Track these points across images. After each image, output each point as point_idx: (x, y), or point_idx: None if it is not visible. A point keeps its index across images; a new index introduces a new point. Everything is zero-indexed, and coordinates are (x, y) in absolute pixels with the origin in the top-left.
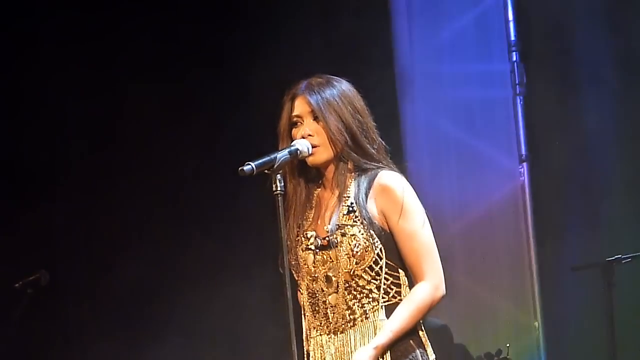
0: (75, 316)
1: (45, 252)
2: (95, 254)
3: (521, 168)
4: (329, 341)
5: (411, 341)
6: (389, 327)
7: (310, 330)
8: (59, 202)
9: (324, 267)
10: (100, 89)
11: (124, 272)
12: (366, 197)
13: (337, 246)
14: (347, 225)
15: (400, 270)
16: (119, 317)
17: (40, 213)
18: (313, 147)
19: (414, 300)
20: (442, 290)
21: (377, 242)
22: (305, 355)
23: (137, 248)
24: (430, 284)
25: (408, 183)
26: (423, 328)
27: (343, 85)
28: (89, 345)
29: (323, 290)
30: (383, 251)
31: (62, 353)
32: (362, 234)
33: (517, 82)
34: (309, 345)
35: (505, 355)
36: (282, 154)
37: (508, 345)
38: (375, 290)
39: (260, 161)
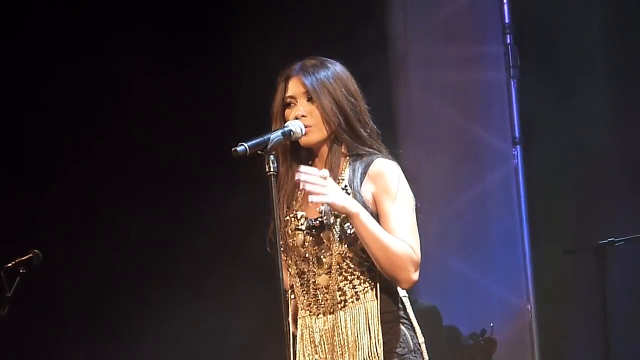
0: (67, 296)
1: (37, 233)
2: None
3: (514, 151)
4: (318, 322)
5: (401, 325)
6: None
7: (300, 310)
8: (54, 185)
9: (314, 249)
10: (100, 78)
11: (116, 254)
12: (361, 182)
13: (330, 228)
14: None
15: None
16: (111, 299)
17: (34, 196)
18: (306, 127)
19: (397, 239)
20: (417, 274)
21: None
22: (292, 336)
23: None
24: (416, 258)
25: (402, 172)
26: (412, 311)
27: (337, 67)
28: (82, 327)
29: (313, 272)
30: None
31: (54, 334)
32: None
33: (510, 64)
34: (296, 326)
35: (490, 334)
36: (275, 135)
37: (492, 324)
38: (367, 272)
39: (253, 142)
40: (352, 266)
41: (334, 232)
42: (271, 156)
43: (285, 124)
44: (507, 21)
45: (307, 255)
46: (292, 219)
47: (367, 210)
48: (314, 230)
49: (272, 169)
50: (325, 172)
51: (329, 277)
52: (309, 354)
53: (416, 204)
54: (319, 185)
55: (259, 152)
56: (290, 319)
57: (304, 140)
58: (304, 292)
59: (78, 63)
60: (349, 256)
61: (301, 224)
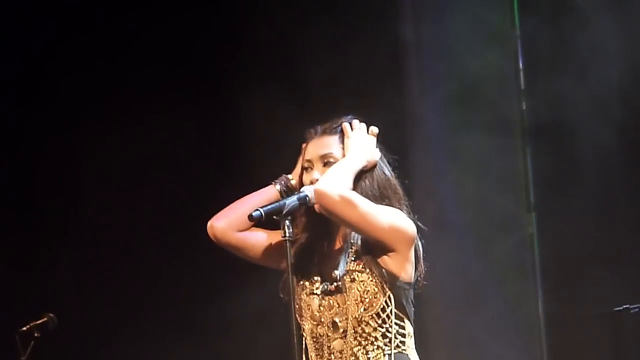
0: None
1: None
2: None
3: (530, 217)
4: None
5: None
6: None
7: None
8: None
9: (330, 313)
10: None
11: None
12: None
13: (346, 292)
14: (355, 271)
15: (406, 321)
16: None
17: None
18: None
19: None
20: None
21: (386, 288)
22: None
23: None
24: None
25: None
26: None
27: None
28: None
29: (328, 336)
30: (392, 298)
31: None
32: (371, 280)
33: (526, 130)
34: None
35: None
36: (290, 200)
37: None
38: (381, 338)
39: (269, 207)
40: (367, 331)
41: (350, 296)
42: (287, 221)
43: (302, 189)
44: (522, 87)
45: (322, 319)
46: (307, 283)
47: (383, 272)
48: (329, 294)
49: (287, 234)
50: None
51: (344, 341)
52: None
53: (422, 266)
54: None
55: (274, 217)
56: None
57: (318, 207)
58: (319, 357)
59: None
60: (364, 320)
61: (316, 288)
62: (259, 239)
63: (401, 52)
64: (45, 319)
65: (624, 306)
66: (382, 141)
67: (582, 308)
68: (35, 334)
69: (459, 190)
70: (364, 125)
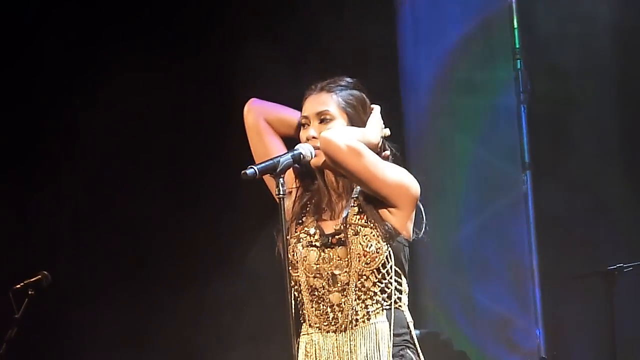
0: (76, 319)
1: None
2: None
3: (524, 176)
4: (327, 340)
5: (408, 349)
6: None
7: (308, 327)
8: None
9: (329, 265)
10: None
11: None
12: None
13: (348, 245)
14: (358, 224)
15: (402, 277)
16: (122, 321)
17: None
18: (316, 149)
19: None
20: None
21: (387, 244)
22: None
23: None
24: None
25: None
26: (416, 338)
27: (354, 89)
28: (90, 349)
29: (325, 288)
30: (392, 254)
31: (63, 356)
32: (374, 235)
33: (521, 90)
34: (299, 342)
35: None
36: (285, 158)
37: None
38: (380, 293)
39: (263, 165)
40: (367, 285)
41: (352, 250)
42: (281, 179)
43: (296, 147)
44: (517, 46)
45: (320, 272)
46: (304, 235)
47: (386, 227)
48: (330, 247)
49: (281, 192)
50: (386, 131)
51: (343, 295)
52: None
53: (425, 226)
54: None
55: (269, 175)
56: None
57: (313, 163)
58: (315, 309)
59: None
60: (365, 275)
61: (315, 240)
62: (274, 142)
63: (396, 12)
64: (39, 276)
65: (618, 265)
66: (379, 102)
67: (576, 267)
68: (30, 292)
69: (453, 149)
70: (379, 107)
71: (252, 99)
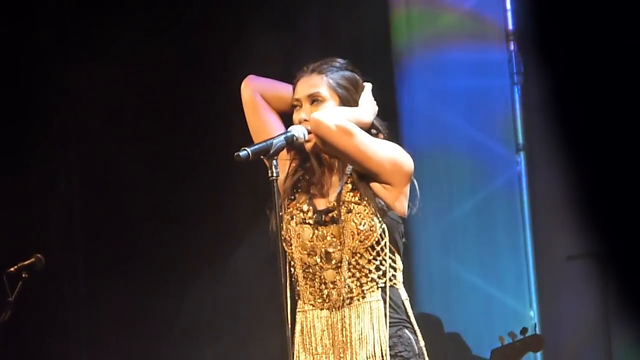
0: (71, 302)
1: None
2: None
3: (518, 157)
4: (321, 316)
5: (405, 329)
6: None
7: (303, 304)
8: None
9: (323, 243)
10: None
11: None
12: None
13: (341, 222)
14: (352, 202)
15: (397, 255)
16: (118, 302)
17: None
18: (309, 132)
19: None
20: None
21: (381, 221)
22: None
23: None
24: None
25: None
26: (413, 317)
27: (345, 68)
28: (84, 332)
29: (320, 266)
30: (386, 231)
31: (57, 339)
32: (367, 212)
33: (514, 71)
34: (295, 319)
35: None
36: (278, 140)
37: (535, 322)
38: (374, 271)
39: (256, 147)
40: (361, 263)
41: (346, 227)
42: (274, 161)
43: (289, 129)
44: (510, 28)
45: (314, 249)
46: (297, 212)
47: (379, 204)
48: (323, 225)
49: (274, 174)
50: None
51: (337, 272)
52: (309, 348)
53: (419, 204)
54: None
55: (261, 156)
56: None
57: (307, 146)
58: (309, 286)
59: None
60: (358, 252)
61: (309, 217)
62: (270, 117)
63: None
64: (33, 259)
65: (611, 247)
66: (371, 80)
67: (570, 248)
68: (23, 275)
69: (448, 130)
70: (370, 85)
71: (249, 75)
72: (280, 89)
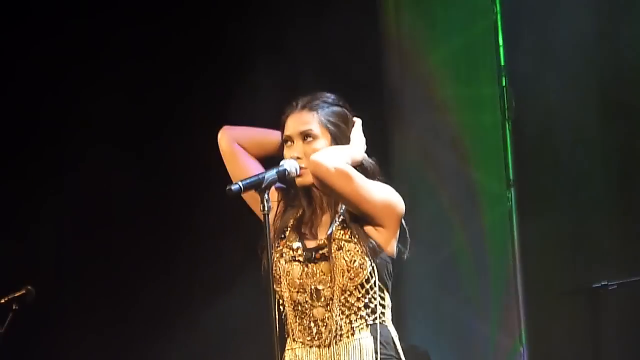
0: (62, 334)
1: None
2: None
3: (509, 193)
4: (311, 354)
5: None
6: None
7: (292, 341)
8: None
9: (312, 280)
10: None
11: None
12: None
13: (332, 259)
14: (342, 239)
15: (385, 293)
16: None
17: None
18: (301, 168)
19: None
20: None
21: (370, 259)
22: None
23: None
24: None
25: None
26: (402, 353)
27: (336, 106)
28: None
29: (309, 303)
30: (375, 270)
31: None
32: (358, 251)
33: (506, 106)
34: (283, 356)
35: None
36: (270, 174)
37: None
38: (364, 308)
39: (248, 181)
40: (350, 301)
41: (337, 265)
42: (265, 195)
43: (281, 163)
44: (502, 64)
45: (303, 287)
46: (287, 250)
47: (370, 243)
48: (313, 262)
49: (266, 208)
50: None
51: (326, 310)
52: None
53: (409, 242)
54: None
55: (253, 190)
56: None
57: (299, 181)
58: (298, 324)
59: None
60: (348, 290)
61: (299, 255)
62: (249, 163)
63: (381, 27)
64: (24, 291)
65: (602, 283)
66: (362, 118)
67: (561, 284)
68: (14, 307)
69: (439, 166)
70: (360, 121)
71: (225, 126)
72: (257, 136)
